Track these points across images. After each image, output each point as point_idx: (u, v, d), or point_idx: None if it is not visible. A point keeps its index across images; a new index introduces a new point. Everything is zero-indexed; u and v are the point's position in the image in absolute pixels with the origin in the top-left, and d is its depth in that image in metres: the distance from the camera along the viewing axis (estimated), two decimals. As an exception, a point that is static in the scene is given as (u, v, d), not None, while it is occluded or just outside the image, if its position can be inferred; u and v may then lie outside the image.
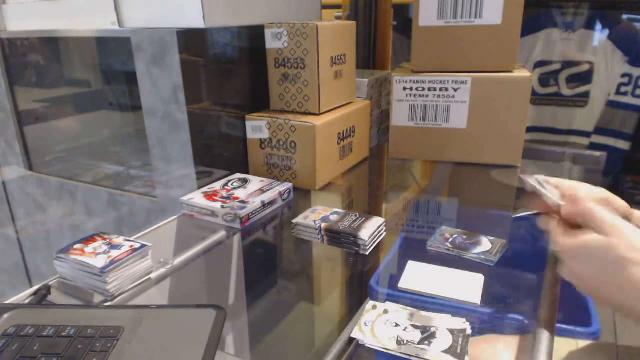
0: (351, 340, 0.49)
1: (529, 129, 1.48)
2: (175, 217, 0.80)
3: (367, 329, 0.49)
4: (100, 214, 1.08)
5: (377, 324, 0.50)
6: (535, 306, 0.54)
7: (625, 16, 1.36)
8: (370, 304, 0.53)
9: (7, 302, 0.55)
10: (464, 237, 0.70)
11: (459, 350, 0.45)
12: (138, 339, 0.43)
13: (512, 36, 0.94)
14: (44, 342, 0.42)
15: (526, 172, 0.53)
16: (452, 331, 0.48)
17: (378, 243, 0.70)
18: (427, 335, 0.48)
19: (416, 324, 0.50)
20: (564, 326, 0.51)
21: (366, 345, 0.47)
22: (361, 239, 0.67)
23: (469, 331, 0.48)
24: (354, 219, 0.72)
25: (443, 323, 0.49)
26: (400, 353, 0.45)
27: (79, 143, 1.21)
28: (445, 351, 0.45)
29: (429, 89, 1.00)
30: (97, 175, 1.13)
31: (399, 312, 0.52)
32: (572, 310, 0.55)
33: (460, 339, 0.47)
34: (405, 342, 0.47)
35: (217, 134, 0.90)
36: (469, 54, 0.97)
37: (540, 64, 1.45)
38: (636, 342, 0.58)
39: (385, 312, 0.52)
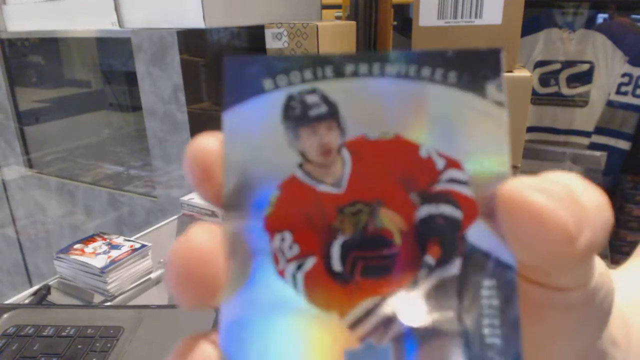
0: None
1: (529, 129, 1.48)
2: (175, 217, 0.80)
3: None
4: (100, 214, 1.08)
5: None
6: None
7: (625, 16, 1.36)
8: None
9: (7, 302, 0.55)
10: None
11: None
12: (138, 339, 0.43)
13: (512, 36, 0.94)
14: (44, 342, 0.42)
15: None
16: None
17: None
18: None
19: None
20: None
21: None
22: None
23: None
24: (354, 219, 0.71)
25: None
26: None
27: (79, 143, 1.21)
28: None
29: (429, 89, 1.00)
30: (97, 175, 1.13)
31: None
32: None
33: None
34: None
35: (217, 134, 0.90)
36: (469, 54, 0.97)
37: (540, 64, 1.45)
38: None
39: None
